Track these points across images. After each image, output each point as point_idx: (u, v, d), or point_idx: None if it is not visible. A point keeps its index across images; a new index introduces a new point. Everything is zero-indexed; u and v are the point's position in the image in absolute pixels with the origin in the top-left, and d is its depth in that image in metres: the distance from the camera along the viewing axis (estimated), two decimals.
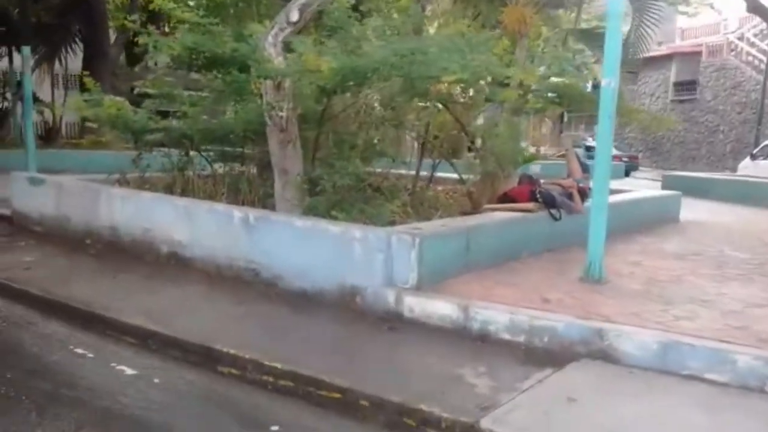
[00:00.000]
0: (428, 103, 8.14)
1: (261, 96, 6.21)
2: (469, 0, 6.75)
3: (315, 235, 5.37)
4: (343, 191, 5.71)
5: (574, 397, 3.49)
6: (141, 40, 6.04)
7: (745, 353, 3.65)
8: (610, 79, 5.18)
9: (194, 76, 10.96)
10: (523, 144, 8.33)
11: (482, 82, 6.01)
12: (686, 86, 33.63)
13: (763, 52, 29.27)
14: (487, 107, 9.37)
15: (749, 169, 21.90)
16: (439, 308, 4.68)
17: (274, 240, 5.60)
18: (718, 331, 4.05)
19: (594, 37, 8.91)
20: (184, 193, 7.25)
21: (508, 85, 7.16)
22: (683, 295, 4.96)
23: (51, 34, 16.95)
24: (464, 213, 6.75)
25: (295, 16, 5.72)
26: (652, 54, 22.79)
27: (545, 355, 4.13)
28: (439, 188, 9.33)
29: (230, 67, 5.70)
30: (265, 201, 6.50)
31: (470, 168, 8.39)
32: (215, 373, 4.10)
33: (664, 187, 14.58)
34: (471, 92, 8.48)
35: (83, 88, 16.90)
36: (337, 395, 3.63)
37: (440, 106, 7.79)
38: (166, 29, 12.91)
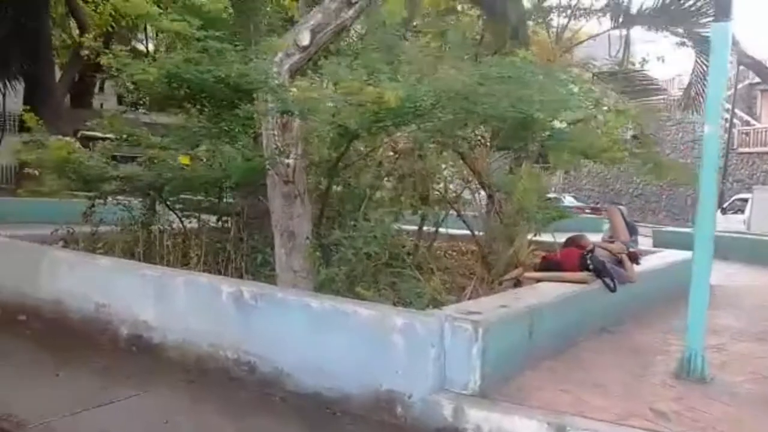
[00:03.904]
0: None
1: (254, 138, 4.94)
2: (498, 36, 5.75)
3: (337, 321, 4.03)
4: (365, 261, 4.42)
5: None
6: (104, 61, 4.70)
7: None
8: (713, 126, 4.12)
9: (145, 118, 9.56)
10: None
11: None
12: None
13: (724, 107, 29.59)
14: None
15: (721, 223, 21.61)
16: (520, 426, 3.40)
17: (278, 325, 4.24)
18: None
19: (624, 81, 8.00)
20: (147, 256, 5.84)
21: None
22: None
23: None
24: (502, 283, 5.55)
25: (305, 40, 4.50)
26: None
27: None
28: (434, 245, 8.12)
29: (231, 97, 4.39)
30: (257, 270, 5.14)
31: (485, 225, 7.22)
32: None
33: (655, 244, 13.71)
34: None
35: (23, 129, 15.31)
36: None
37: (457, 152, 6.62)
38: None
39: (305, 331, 4.13)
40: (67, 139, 6.04)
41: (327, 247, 4.43)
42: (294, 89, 4.02)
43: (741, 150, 29.29)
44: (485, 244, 7.24)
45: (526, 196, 6.59)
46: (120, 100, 28.28)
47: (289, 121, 4.28)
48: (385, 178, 5.68)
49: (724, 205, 23.79)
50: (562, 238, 6.99)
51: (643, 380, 4.14)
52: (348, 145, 4.57)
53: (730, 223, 20.58)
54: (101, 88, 27.18)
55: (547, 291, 4.90)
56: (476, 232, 7.39)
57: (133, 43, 27.05)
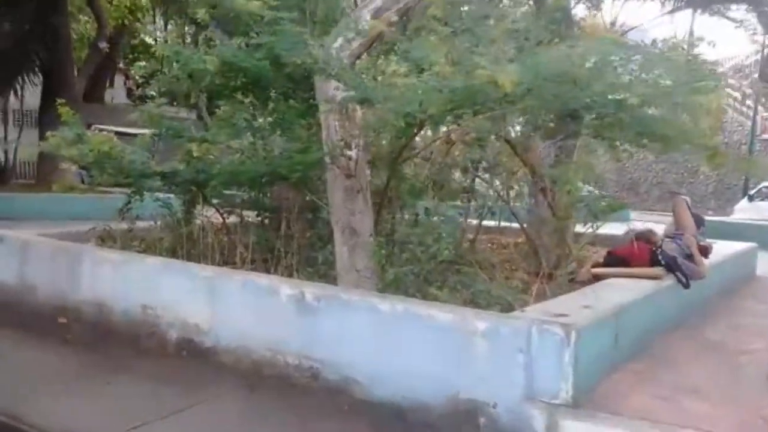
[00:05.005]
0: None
1: (307, 128, 4.65)
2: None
3: (410, 324, 3.75)
4: (431, 259, 4.13)
5: None
6: (161, 51, 4.42)
7: None
8: None
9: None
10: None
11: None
12: None
13: (745, 94, 29.04)
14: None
15: (748, 211, 21.11)
16: None
17: (344, 328, 3.96)
18: None
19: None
20: (189, 254, 5.58)
21: None
22: None
23: (6, 63, 14.80)
24: (573, 281, 5.26)
25: (366, 25, 4.18)
26: None
27: None
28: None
29: (288, 86, 4.11)
30: (308, 269, 4.86)
31: (536, 217, 6.91)
32: None
33: None
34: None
35: (43, 125, 15.08)
36: None
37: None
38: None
39: (374, 336, 3.86)
40: (105, 134, 5.79)
41: (393, 244, 4.14)
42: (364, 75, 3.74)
43: (765, 136, 28.76)
44: (535, 236, 6.94)
45: (580, 188, 6.29)
46: (129, 94, 28.18)
47: (351, 112, 3.99)
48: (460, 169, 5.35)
49: (751, 193, 23.30)
50: (606, 229, 6.67)
51: (738, 383, 3.85)
52: (414, 136, 4.28)
53: (759, 211, 20.07)
54: (111, 83, 27.00)
55: (626, 288, 4.60)
56: (524, 225, 7.11)
57: (141, 35, 26.89)
